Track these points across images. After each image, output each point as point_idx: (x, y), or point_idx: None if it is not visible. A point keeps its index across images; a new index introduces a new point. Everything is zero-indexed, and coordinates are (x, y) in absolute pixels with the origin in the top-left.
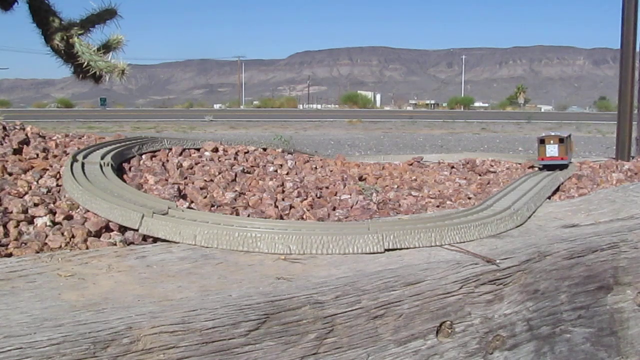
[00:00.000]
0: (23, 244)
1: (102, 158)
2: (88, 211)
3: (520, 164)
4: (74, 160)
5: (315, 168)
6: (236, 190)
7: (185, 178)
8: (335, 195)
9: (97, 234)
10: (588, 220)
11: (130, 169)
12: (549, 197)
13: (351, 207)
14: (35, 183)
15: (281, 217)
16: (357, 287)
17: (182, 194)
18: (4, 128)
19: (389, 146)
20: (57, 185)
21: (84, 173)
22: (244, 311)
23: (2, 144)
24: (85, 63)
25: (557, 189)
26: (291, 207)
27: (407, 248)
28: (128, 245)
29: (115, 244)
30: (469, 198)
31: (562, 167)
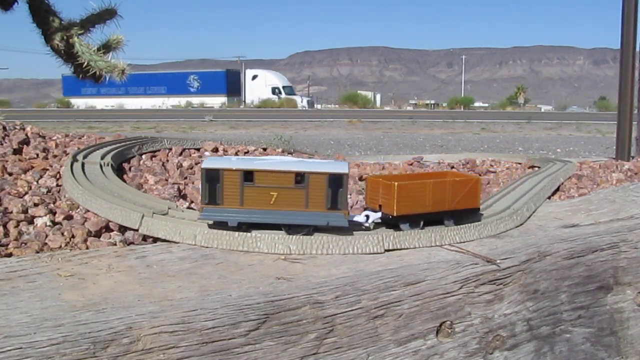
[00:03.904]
0: (23, 244)
1: (102, 158)
2: (88, 211)
3: (520, 164)
4: (74, 160)
5: None
6: None
7: (185, 178)
8: None
9: (97, 234)
10: (588, 220)
11: (130, 169)
12: (549, 197)
13: (351, 207)
14: (35, 183)
15: None
16: (357, 287)
17: (182, 194)
18: (4, 128)
19: (389, 146)
20: (57, 185)
21: (84, 173)
22: (244, 311)
23: (2, 144)
24: (85, 63)
25: (557, 189)
26: None
27: (407, 248)
28: (128, 245)
29: (115, 244)
30: None
31: None
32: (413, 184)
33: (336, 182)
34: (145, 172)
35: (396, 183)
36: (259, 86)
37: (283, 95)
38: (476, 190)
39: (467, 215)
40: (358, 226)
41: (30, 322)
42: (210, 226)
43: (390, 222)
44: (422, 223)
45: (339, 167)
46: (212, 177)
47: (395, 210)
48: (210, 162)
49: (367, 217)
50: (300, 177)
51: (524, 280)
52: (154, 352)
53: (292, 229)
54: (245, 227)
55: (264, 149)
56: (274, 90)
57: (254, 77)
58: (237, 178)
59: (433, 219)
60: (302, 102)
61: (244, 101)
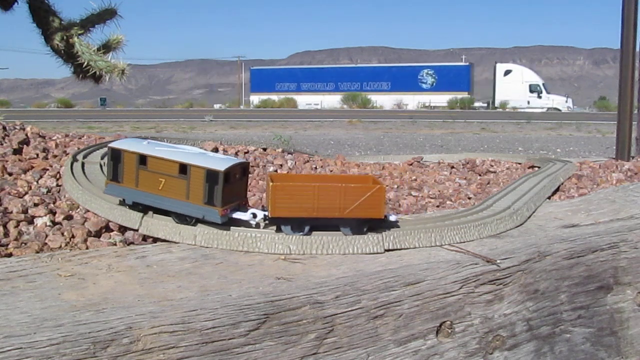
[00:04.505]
0: (23, 244)
1: (102, 158)
2: (88, 211)
3: (520, 164)
4: (74, 160)
5: (315, 168)
6: None
7: None
8: None
9: (97, 234)
10: (588, 220)
11: None
12: (549, 197)
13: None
14: (35, 183)
15: None
16: (357, 287)
17: None
18: (4, 128)
19: (389, 146)
20: (57, 185)
21: (84, 173)
22: (244, 311)
23: (2, 144)
24: (85, 63)
25: (557, 189)
26: None
27: (407, 248)
28: (128, 245)
29: (115, 244)
30: (469, 198)
31: None
32: (292, 185)
33: (213, 178)
34: None
35: (272, 183)
36: (514, 83)
37: (544, 95)
38: (378, 199)
39: (372, 224)
40: (245, 223)
41: (30, 322)
42: (125, 205)
43: (272, 223)
44: (307, 228)
45: (219, 164)
46: (116, 157)
47: (270, 211)
48: (118, 142)
49: (254, 215)
50: (183, 168)
51: (524, 280)
52: (154, 352)
53: (178, 217)
54: (141, 207)
55: (264, 149)
56: (533, 88)
57: (507, 72)
58: (133, 160)
59: (324, 225)
60: (567, 102)
61: (493, 102)
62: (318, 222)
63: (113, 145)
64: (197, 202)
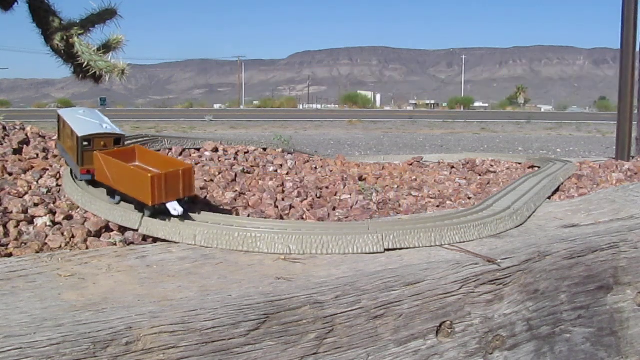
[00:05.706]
0: (23, 244)
1: None
2: (88, 211)
3: (520, 164)
4: None
5: (315, 168)
6: (236, 190)
7: None
8: (335, 195)
9: (97, 234)
10: (588, 220)
11: None
12: (549, 197)
13: (351, 207)
14: (35, 183)
15: (281, 217)
16: (357, 287)
17: None
18: (4, 128)
19: (389, 146)
20: (57, 185)
21: None
22: (244, 311)
23: (2, 144)
24: (85, 63)
25: (557, 189)
26: (291, 207)
27: (407, 248)
28: (128, 245)
29: (115, 244)
30: (469, 198)
31: None
32: (98, 154)
33: (78, 141)
34: None
35: (94, 151)
36: None
37: None
38: (144, 185)
39: (153, 209)
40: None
41: (30, 322)
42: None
43: (99, 186)
44: (117, 198)
45: (84, 130)
46: (58, 121)
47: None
48: (61, 110)
49: None
50: (73, 133)
51: (524, 280)
52: (154, 352)
53: (74, 174)
54: (68, 166)
55: (264, 149)
56: None
57: None
58: (62, 124)
59: (130, 200)
60: None
61: None
62: (125, 195)
63: (58, 111)
64: (75, 161)
